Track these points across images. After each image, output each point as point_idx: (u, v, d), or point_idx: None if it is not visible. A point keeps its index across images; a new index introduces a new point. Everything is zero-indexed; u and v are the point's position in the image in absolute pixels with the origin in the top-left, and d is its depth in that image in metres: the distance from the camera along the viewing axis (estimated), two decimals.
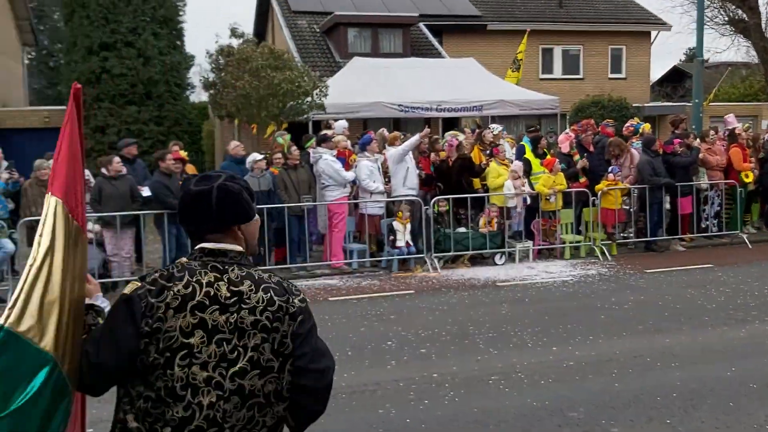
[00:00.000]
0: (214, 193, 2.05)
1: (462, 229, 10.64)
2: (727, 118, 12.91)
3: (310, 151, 10.44)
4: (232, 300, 1.98)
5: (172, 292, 1.96)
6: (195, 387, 1.93)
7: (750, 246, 11.26)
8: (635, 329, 6.60)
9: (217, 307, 1.96)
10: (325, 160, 10.13)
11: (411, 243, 10.48)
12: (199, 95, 28.39)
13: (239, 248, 2.10)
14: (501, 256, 10.64)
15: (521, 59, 18.52)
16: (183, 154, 10.07)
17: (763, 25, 18.30)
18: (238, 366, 1.95)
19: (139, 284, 2.00)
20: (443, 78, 16.90)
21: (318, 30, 21.19)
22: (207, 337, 1.94)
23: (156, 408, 1.94)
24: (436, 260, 10.30)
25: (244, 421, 1.96)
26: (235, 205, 2.08)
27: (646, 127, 12.32)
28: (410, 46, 20.60)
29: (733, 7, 18.07)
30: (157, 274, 2.02)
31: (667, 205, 11.19)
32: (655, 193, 11.02)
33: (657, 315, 7.09)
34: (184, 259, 2.08)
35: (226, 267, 2.04)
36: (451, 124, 17.04)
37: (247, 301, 1.98)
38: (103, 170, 9.24)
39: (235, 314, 1.97)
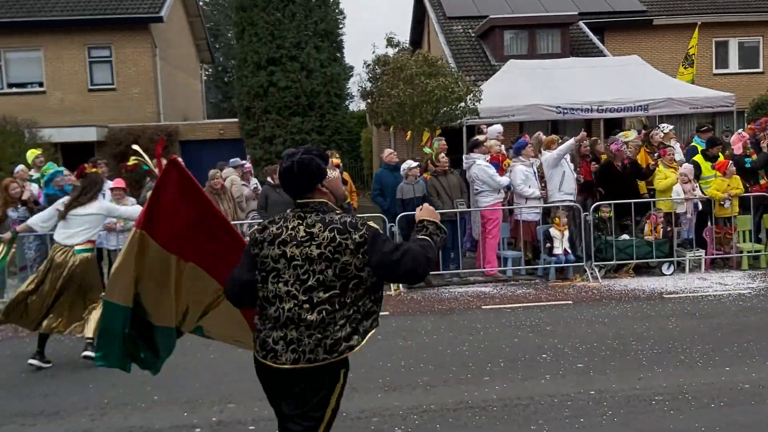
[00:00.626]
0: (294, 167, 2.95)
1: (625, 237, 10.08)
2: None
3: (464, 157, 10.38)
4: (306, 238, 2.88)
5: (268, 231, 2.98)
6: (280, 297, 2.90)
7: None
8: None
9: (295, 243, 2.90)
10: (479, 165, 10.02)
11: (569, 251, 10.09)
12: (358, 104, 29.41)
13: (321, 200, 2.99)
14: (669, 266, 9.95)
15: (694, 54, 17.28)
16: (336, 161, 10.37)
17: None
18: (308, 284, 2.85)
19: (257, 227, 3.09)
20: (605, 77, 16.11)
21: (473, 34, 21.11)
22: (287, 264, 2.89)
23: (262, 309, 2.98)
24: (596, 269, 9.84)
25: (317, 322, 2.83)
26: (309, 171, 2.95)
27: None
28: (569, 46, 19.93)
29: None
30: (266, 221, 3.08)
31: None
32: None
33: None
34: (288, 211, 3.03)
35: (306, 214, 2.95)
36: (615, 125, 16.24)
37: (316, 239, 2.86)
38: (269, 179, 9.78)
39: (306, 248, 2.86)
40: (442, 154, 10.38)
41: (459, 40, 21.01)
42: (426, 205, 3.27)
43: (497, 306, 8.51)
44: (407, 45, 14.72)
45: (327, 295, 2.84)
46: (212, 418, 5.11)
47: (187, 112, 24.79)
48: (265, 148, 18.39)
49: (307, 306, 2.84)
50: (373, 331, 2.95)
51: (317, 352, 2.84)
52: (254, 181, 11.16)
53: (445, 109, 12.44)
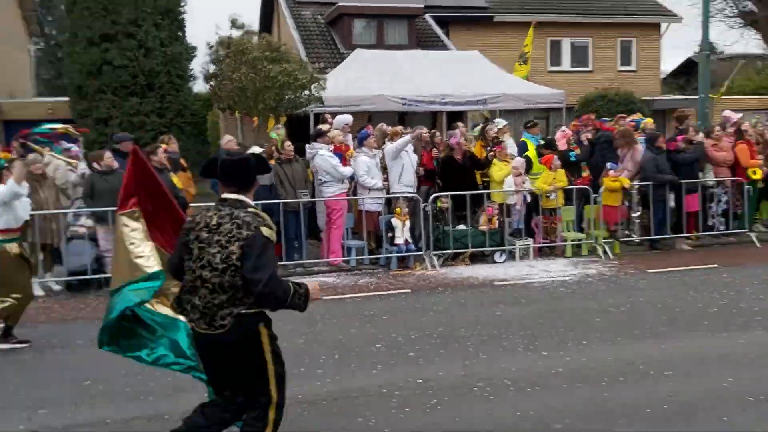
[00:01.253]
0: (218, 165, 3.67)
1: (462, 227, 10.46)
2: (726, 113, 12.65)
3: (307, 147, 10.28)
4: (215, 227, 3.50)
5: (194, 221, 3.60)
6: (199, 276, 3.51)
7: (759, 245, 11.02)
8: (631, 334, 6.41)
9: (207, 230, 3.52)
10: (321, 156, 9.97)
11: (410, 240, 10.32)
12: (205, 86, 28.27)
13: (235, 197, 3.58)
14: (501, 255, 10.45)
15: (528, 52, 18.23)
16: (165, 147, 9.78)
17: None
18: (203, 263, 3.49)
19: (189, 219, 3.74)
20: (448, 71, 16.64)
21: (323, 21, 20.97)
22: (199, 248, 3.51)
23: (186, 284, 3.62)
24: (435, 258, 10.14)
25: (210, 295, 3.46)
26: (246, 173, 3.66)
27: (648, 122, 12.08)
28: (416, 38, 20.36)
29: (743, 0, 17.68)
30: (195, 214, 3.68)
31: (672, 203, 10.94)
32: (658, 191, 10.78)
33: (655, 319, 6.89)
34: (214, 205, 3.65)
35: (221, 208, 3.55)
36: (457, 117, 16.80)
37: (222, 229, 3.48)
38: (95, 165, 9.12)
39: (214, 236, 3.48)
40: (288, 142, 10.21)
41: (308, 25, 20.81)
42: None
43: (338, 296, 8.52)
44: (253, 28, 14.31)
45: (212, 275, 3.46)
46: (19, 426, 4.68)
47: (14, 89, 22.68)
48: (99, 129, 17.20)
49: (207, 284, 3.47)
50: None
51: (227, 318, 3.45)
52: (82, 166, 10.36)
53: (289, 96, 12.24)
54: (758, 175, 11.46)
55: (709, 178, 11.34)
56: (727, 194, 11.34)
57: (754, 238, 11.20)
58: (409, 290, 8.76)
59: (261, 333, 3.55)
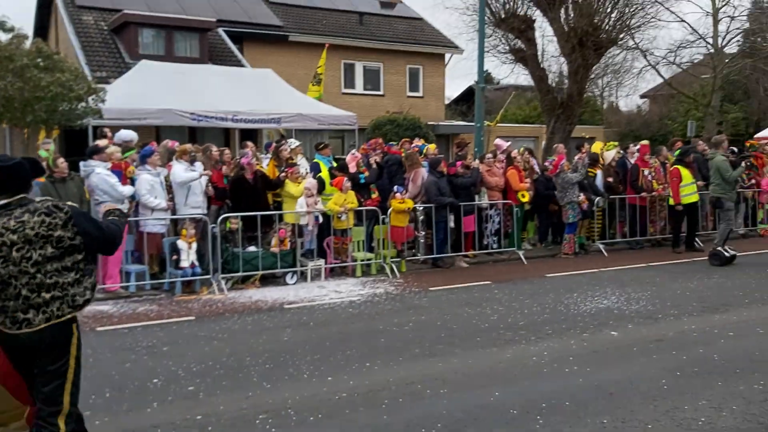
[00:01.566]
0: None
1: (252, 248, 10.26)
2: (497, 142, 13.84)
3: (81, 164, 9.47)
4: (17, 227, 3.51)
5: None
6: (15, 276, 3.52)
7: (525, 262, 12.06)
8: (412, 353, 6.65)
9: (11, 231, 3.50)
10: (98, 174, 9.26)
11: (197, 263, 9.91)
12: None
13: (18, 197, 3.59)
14: (293, 276, 10.41)
15: (321, 74, 18.54)
16: None
17: (539, 56, 19.95)
18: (34, 259, 3.52)
19: None
20: (241, 88, 16.38)
21: (106, 27, 19.67)
22: (10, 249, 3.49)
23: (2, 292, 3.55)
24: (223, 281, 9.82)
25: (53, 285, 3.57)
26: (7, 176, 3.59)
27: (431, 147, 12.80)
28: (208, 52, 19.82)
29: (513, 37, 19.50)
30: None
31: (452, 224, 11.65)
32: (440, 212, 11.43)
33: (434, 337, 7.22)
34: None
35: (12, 210, 3.56)
36: (249, 135, 16.57)
37: (28, 224, 3.52)
38: None
39: (22, 233, 3.50)
40: (61, 159, 9.33)
41: (90, 32, 19.40)
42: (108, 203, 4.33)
43: (114, 326, 7.91)
44: (23, 31, 12.94)
45: (53, 264, 3.57)
46: None
47: None
48: None
49: (40, 276, 3.54)
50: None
51: (62, 309, 3.60)
52: None
53: (63, 107, 11.23)
54: (526, 198, 12.61)
55: (484, 200, 12.26)
56: (499, 215, 12.33)
57: (522, 256, 12.27)
58: (193, 317, 8.37)
59: (73, 335, 3.71)
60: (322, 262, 10.77)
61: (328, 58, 18.95)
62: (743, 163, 13.27)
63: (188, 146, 10.87)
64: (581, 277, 10.58)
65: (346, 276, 10.88)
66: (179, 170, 10.04)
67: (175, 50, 19.24)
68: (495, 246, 12.35)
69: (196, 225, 10.04)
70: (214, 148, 11.21)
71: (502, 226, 12.40)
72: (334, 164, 11.75)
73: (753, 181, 15.07)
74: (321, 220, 10.85)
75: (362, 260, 11.07)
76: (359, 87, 25.59)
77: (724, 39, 28.08)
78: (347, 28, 25.37)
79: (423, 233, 11.77)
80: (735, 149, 15.27)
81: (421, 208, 11.49)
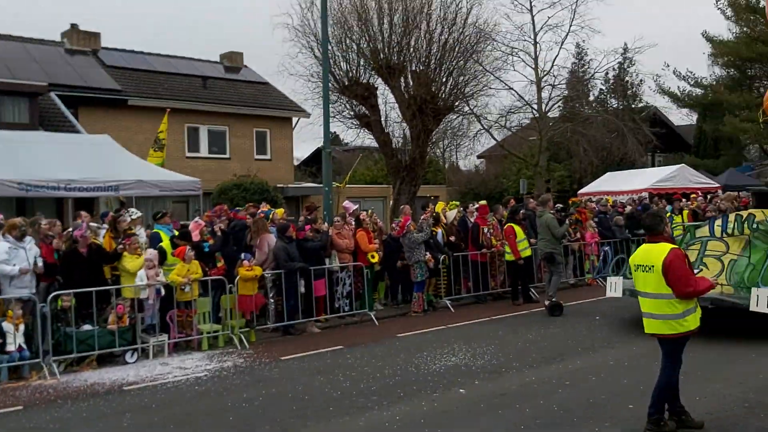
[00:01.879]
0: None
1: (88, 326, 9.55)
2: (345, 204, 14.09)
3: None
4: None
5: None
6: None
7: (377, 323, 12.17)
8: (263, 431, 6.41)
9: None
10: None
11: (24, 347, 9.05)
12: None
13: None
14: (133, 354, 9.77)
15: (164, 139, 18.02)
16: None
17: (383, 122, 20.73)
18: None
19: None
20: (76, 154, 15.48)
21: None
22: None
23: None
24: (55, 365, 9.02)
25: None
26: None
27: (279, 212, 12.76)
28: (39, 118, 18.65)
29: (357, 103, 20.18)
30: None
31: (303, 289, 11.57)
32: (290, 278, 11.32)
33: (286, 410, 7.03)
34: None
35: None
36: (86, 205, 15.62)
37: None
38: None
39: None
40: None
41: None
42: None
43: None
44: None
45: None
46: None
47: None
48: None
49: None
50: None
51: None
52: None
53: None
54: (375, 259, 12.82)
55: (334, 263, 12.32)
56: (350, 277, 12.43)
57: (373, 317, 12.38)
58: (21, 407, 7.60)
59: None
60: (165, 337, 10.22)
61: (171, 122, 18.50)
62: (567, 221, 14.38)
63: (17, 220, 10.01)
64: (431, 335, 10.84)
65: (192, 350, 10.39)
66: (1, 251, 9.19)
67: (2, 116, 17.93)
68: (347, 309, 12.39)
69: (23, 305, 9.21)
70: (44, 221, 10.45)
71: (353, 288, 12.49)
72: (176, 233, 11.34)
73: (578, 234, 16.35)
74: (163, 292, 10.34)
75: (209, 333, 10.64)
76: (204, 150, 25.13)
77: (547, 105, 30.84)
78: (190, 91, 25.01)
79: (273, 300, 11.57)
80: (561, 206, 16.55)
81: (270, 274, 11.33)
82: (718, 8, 37.12)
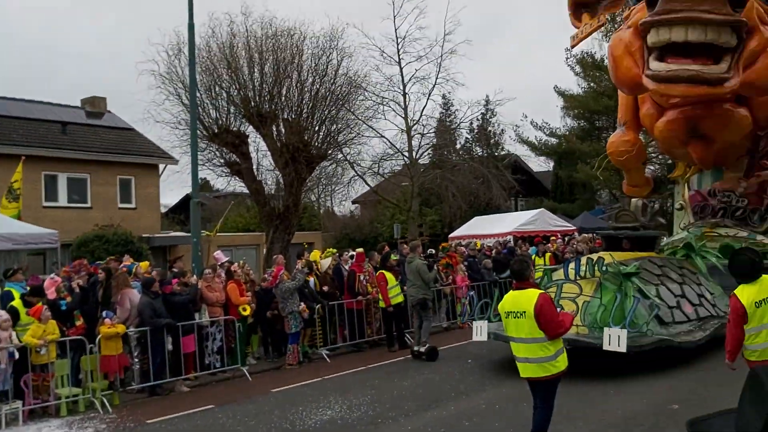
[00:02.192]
0: None
1: None
2: (216, 254, 13.75)
3: None
4: None
5: None
6: None
7: (250, 379, 11.81)
8: None
9: None
10: None
11: None
12: None
13: None
14: None
15: (18, 188, 16.84)
16: None
17: (255, 170, 20.55)
18: None
19: None
20: None
21: None
22: None
23: None
24: None
25: None
26: None
27: (143, 265, 12.22)
28: None
29: (227, 151, 19.92)
30: None
31: (170, 346, 11.06)
32: (156, 335, 10.79)
33: None
34: None
35: None
36: None
37: None
38: None
39: None
40: None
41: None
42: None
43: None
44: None
45: None
46: None
47: None
48: None
49: None
50: None
51: None
52: None
53: None
54: (248, 312, 12.51)
55: (204, 318, 11.89)
56: (221, 332, 12.03)
57: (246, 372, 12.01)
58: None
59: None
60: (19, 404, 9.37)
61: (26, 170, 17.35)
62: (436, 266, 14.78)
63: None
64: (306, 388, 10.65)
65: (50, 417, 9.59)
66: None
67: None
68: (218, 365, 11.94)
69: None
70: None
71: (224, 342, 12.08)
72: (28, 290, 10.53)
73: (450, 278, 16.83)
74: (17, 356, 9.52)
75: (67, 397, 9.89)
76: (63, 199, 23.70)
77: (417, 152, 31.89)
78: (48, 138, 23.64)
79: (138, 359, 10.96)
80: (432, 251, 17.01)
81: (134, 332, 10.75)
82: (568, 65, 40.40)
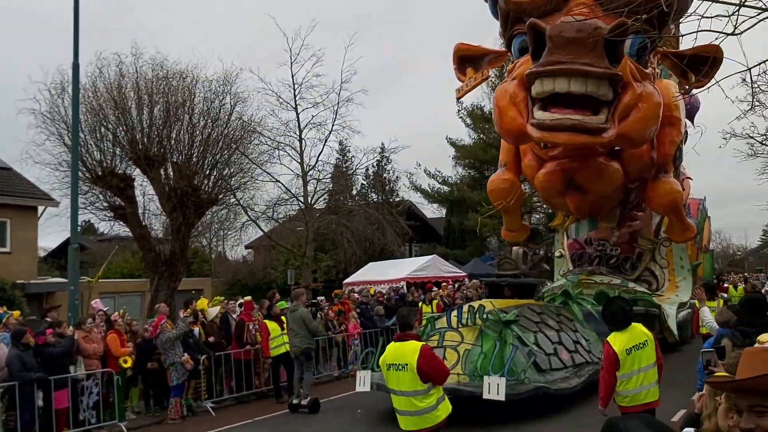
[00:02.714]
0: None
1: None
2: (94, 303, 13.11)
3: None
4: None
5: None
6: None
7: None
8: None
9: None
10: None
11: None
12: None
13: None
14: None
15: None
16: None
17: (141, 214, 19.86)
18: None
19: None
20: None
21: None
22: None
23: None
24: None
25: None
26: None
27: (15, 314, 11.45)
28: None
29: (112, 194, 19.16)
30: None
31: (41, 401, 10.33)
32: (26, 390, 10.06)
33: None
34: None
35: None
36: None
37: None
38: None
39: None
40: None
41: None
42: None
43: None
44: None
45: None
46: None
47: None
48: None
49: None
50: None
51: None
52: None
53: None
54: (128, 364, 11.92)
55: (80, 371, 11.22)
56: (98, 386, 11.37)
57: (124, 428, 11.39)
58: None
59: None
60: None
61: None
62: (319, 314, 14.70)
63: None
64: None
65: None
66: None
67: None
68: (93, 421, 11.23)
69: None
70: None
71: (101, 396, 11.41)
72: None
73: (343, 326, 16.76)
74: None
75: None
76: None
77: (312, 197, 31.88)
78: None
79: (4, 416, 10.15)
80: (322, 298, 16.93)
81: (1, 387, 9.96)
82: (460, 117, 42.03)
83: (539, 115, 10.37)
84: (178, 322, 12.69)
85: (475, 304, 12.00)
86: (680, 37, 12.50)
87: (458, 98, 10.89)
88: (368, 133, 76.79)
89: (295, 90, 30.29)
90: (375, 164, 38.80)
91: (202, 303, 14.71)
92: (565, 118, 10.15)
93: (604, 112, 10.36)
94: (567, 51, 9.52)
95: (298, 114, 30.68)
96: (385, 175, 40.46)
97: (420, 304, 18.68)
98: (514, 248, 14.17)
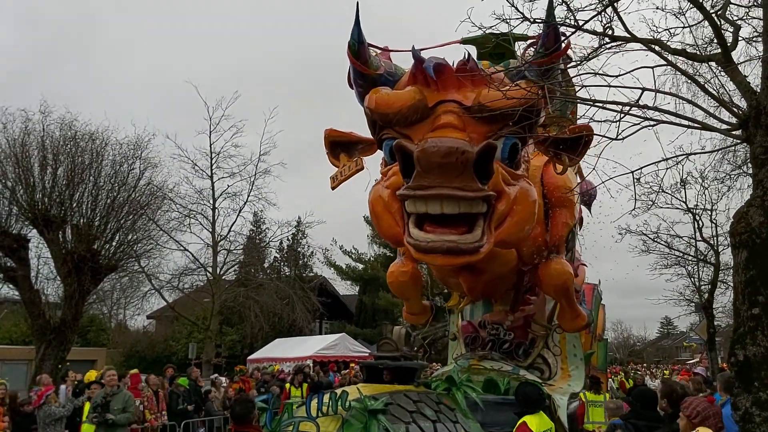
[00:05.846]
0: None
1: None
2: None
3: None
4: None
5: None
6: None
7: None
8: None
9: None
10: None
11: None
12: None
13: None
14: None
15: None
16: None
17: (33, 278, 18.88)
18: None
19: None
20: None
21: None
22: None
23: None
24: None
25: None
26: None
27: None
28: None
29: (2, 255, 18.19)
30: None
31: None
32: None
33: None
34: None
35: None
36: None
37: None
38: None
39: None
40: None
41: None
42: None
43: None
44: None
45: None
46: None
47: None
48: None
49: None
50: None
51: None
52: None
53: None
54: None
55: None
56: None
57: None
58: None
59: None
60: None
61: None
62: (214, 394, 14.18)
63: None
64: None
65: None
66: None
67: None
68: None
69: None
70: None
71: None
72: None
73: None
74: None
75: None
76: None
77: (222, 268, 31.19)
78: None
79: None
80: (213, 377, 16.34)
81: None
82: None
83: (415, 233, 10.29)
84: (66, 401, 11.94)
85: (338, 391, 10.88)
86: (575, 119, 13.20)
87: (333, 188, 10.70)
88: (284, 206, 76.46)
89: (212, 159, 30.10)
90: (290, 238, 38.59)
91: (91, 374, 13.96)
92: (441, 241, 10.06)
93: (480, 225, 10.38)
94: (436, 175, 9.59)
95: (213, 183, 30.35)
96: (299, 249, 40.23)
97: (287, 386, 17.15)
98: (395, 328, 13.79)
